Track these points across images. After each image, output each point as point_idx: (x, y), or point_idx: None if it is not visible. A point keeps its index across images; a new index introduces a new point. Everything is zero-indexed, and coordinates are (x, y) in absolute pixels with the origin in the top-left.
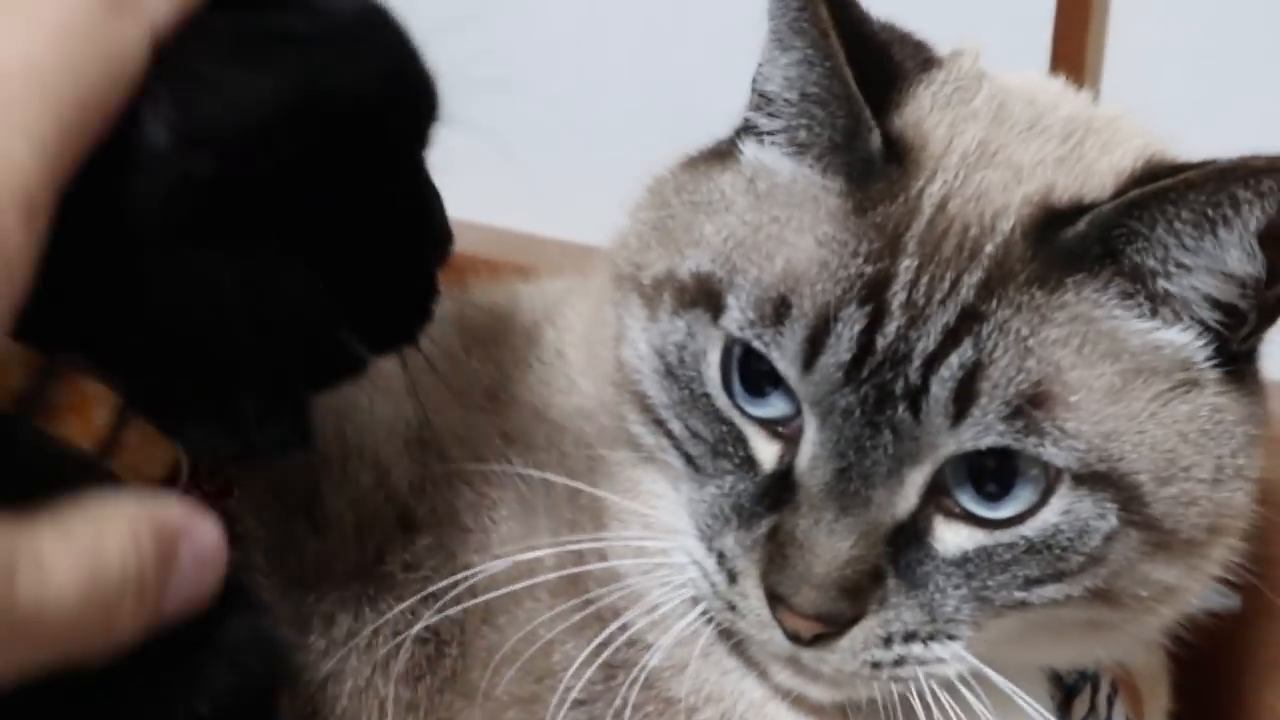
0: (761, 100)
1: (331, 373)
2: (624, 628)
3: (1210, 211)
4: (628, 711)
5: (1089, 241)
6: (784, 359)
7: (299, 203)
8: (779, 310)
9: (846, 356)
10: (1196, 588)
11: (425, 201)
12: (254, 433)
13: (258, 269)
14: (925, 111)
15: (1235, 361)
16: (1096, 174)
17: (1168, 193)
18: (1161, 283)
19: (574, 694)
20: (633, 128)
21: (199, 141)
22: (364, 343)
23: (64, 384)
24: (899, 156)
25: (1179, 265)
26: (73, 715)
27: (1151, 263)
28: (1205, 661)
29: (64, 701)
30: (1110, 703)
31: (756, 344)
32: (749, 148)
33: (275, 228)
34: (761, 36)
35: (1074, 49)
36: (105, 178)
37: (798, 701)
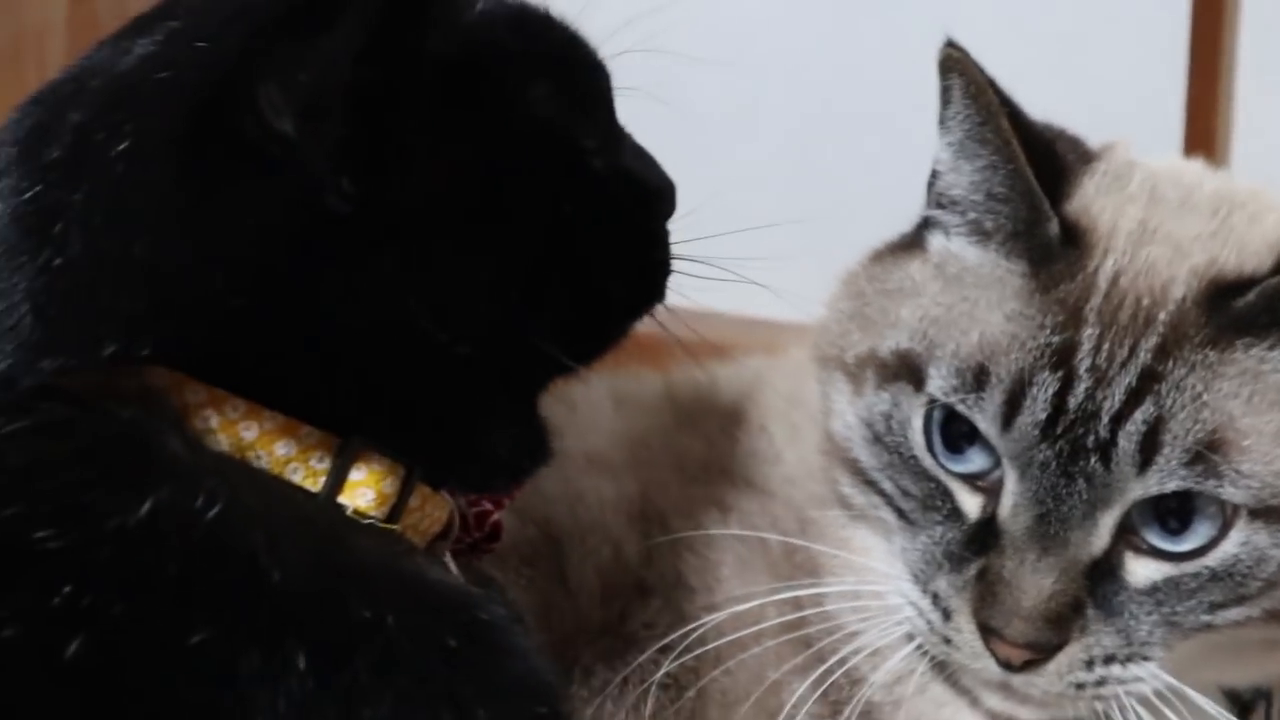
0: (945, 200)
1: (548, 367)
2: (842, 662)
3: None
4: None
5: (1258, 310)
6: (985, 420)
7: (457, 183)
8: (979, 377)
9: (1042, 416)
10: None
11: (622, 156)
12: (498, 451)
13: (435, 280)
14: (1090, 199)
15: None
16: (1251, 244)
17: None
18: None
19: None
20: (794, 210)
21: (317, 106)
22: (621, 309)
23: (360, 462)
24: (1074, 240)
25: None
26: None
27: None
28: None
29: None
30: None
31: (960, 407)
32: (935, 239)
33: (438, 218)
34: (921, 144)
35: (1204, 126)
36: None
37: None
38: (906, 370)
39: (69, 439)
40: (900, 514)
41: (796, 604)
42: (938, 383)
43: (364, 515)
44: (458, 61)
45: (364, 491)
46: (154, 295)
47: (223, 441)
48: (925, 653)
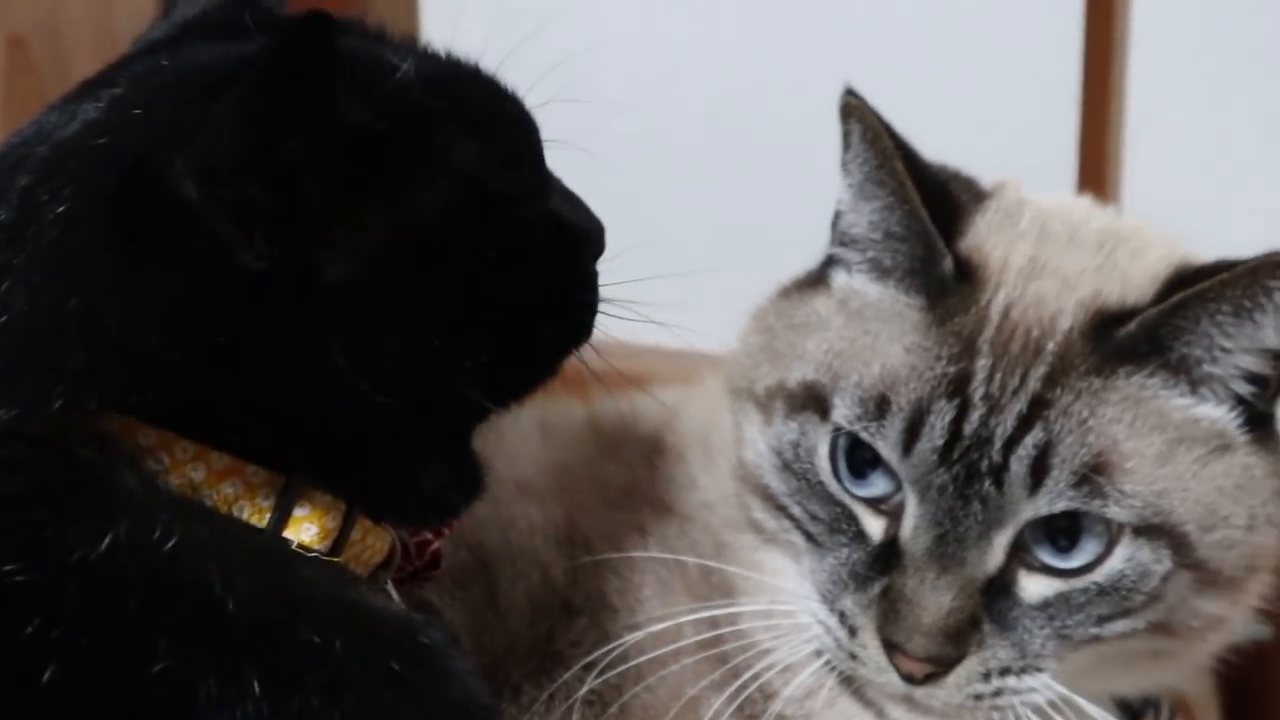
0: (847, 238)
1: (476, 411)
2: (756, 677)
3: (1247, 302)
4: None
5: (1138, 339)
6: (887, 446)
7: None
8: (880, 406)
9: (940, 442)
10: (1239, 617)
11: (550, 202)
12: (429, 490)
13: (360, 335)
14: (983, 236)
15: (1262, 424)
16: (1134, 278)
17: (1208, 292)
18: (1207, 366)
19: None
20: (706, 244)
21: (211, 170)
22: (549, 352)
23: (303, 499)
24: (968, 276)
25: (1222, 349)
26: None
27: (1198, 352)
28: (1246, 683)
29: None
30: None
31: (864, 435)
32: (838, 276)
33: (360, 269)
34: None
35: (1096, 163)
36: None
37: None
38: (813, 401)
39: (30, 477)
40: (809, 537)
41: (713, 623)
42: (842, 412)
43: (308, 549)
44: (378, 129)
45: (308, 526)
46: (92, 352)
47: (174, 481)
48: (833, 668)
